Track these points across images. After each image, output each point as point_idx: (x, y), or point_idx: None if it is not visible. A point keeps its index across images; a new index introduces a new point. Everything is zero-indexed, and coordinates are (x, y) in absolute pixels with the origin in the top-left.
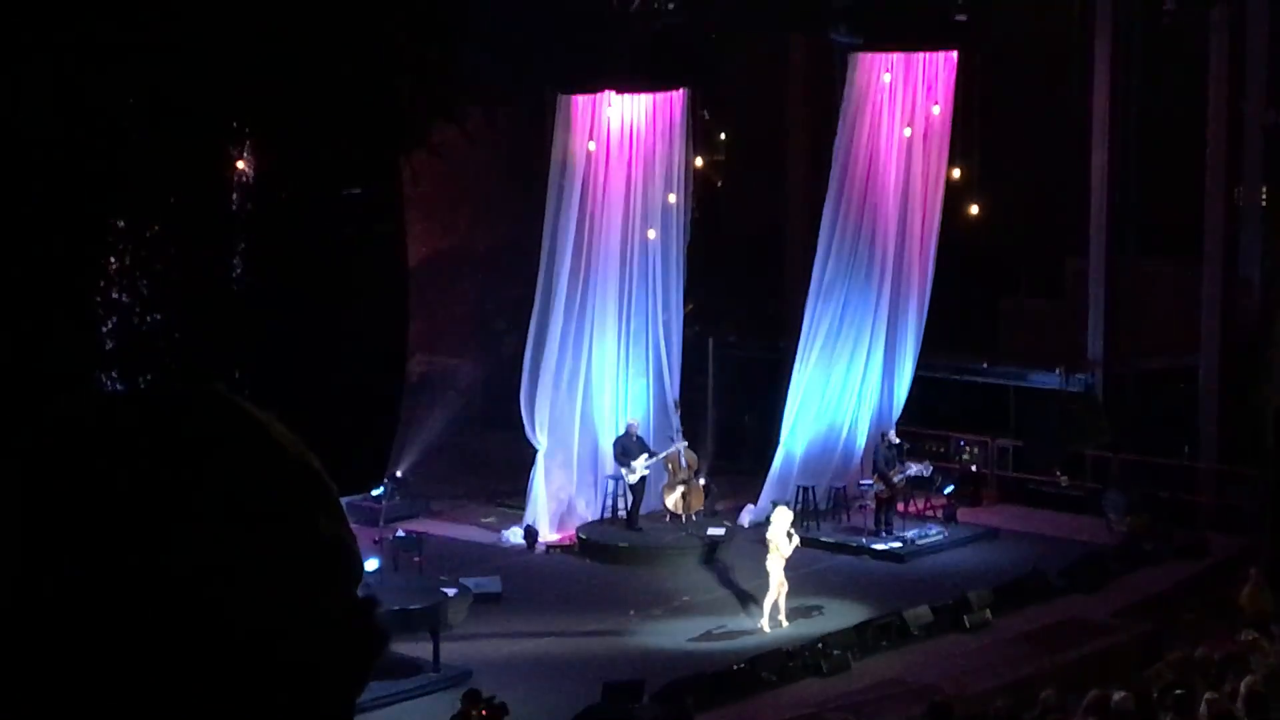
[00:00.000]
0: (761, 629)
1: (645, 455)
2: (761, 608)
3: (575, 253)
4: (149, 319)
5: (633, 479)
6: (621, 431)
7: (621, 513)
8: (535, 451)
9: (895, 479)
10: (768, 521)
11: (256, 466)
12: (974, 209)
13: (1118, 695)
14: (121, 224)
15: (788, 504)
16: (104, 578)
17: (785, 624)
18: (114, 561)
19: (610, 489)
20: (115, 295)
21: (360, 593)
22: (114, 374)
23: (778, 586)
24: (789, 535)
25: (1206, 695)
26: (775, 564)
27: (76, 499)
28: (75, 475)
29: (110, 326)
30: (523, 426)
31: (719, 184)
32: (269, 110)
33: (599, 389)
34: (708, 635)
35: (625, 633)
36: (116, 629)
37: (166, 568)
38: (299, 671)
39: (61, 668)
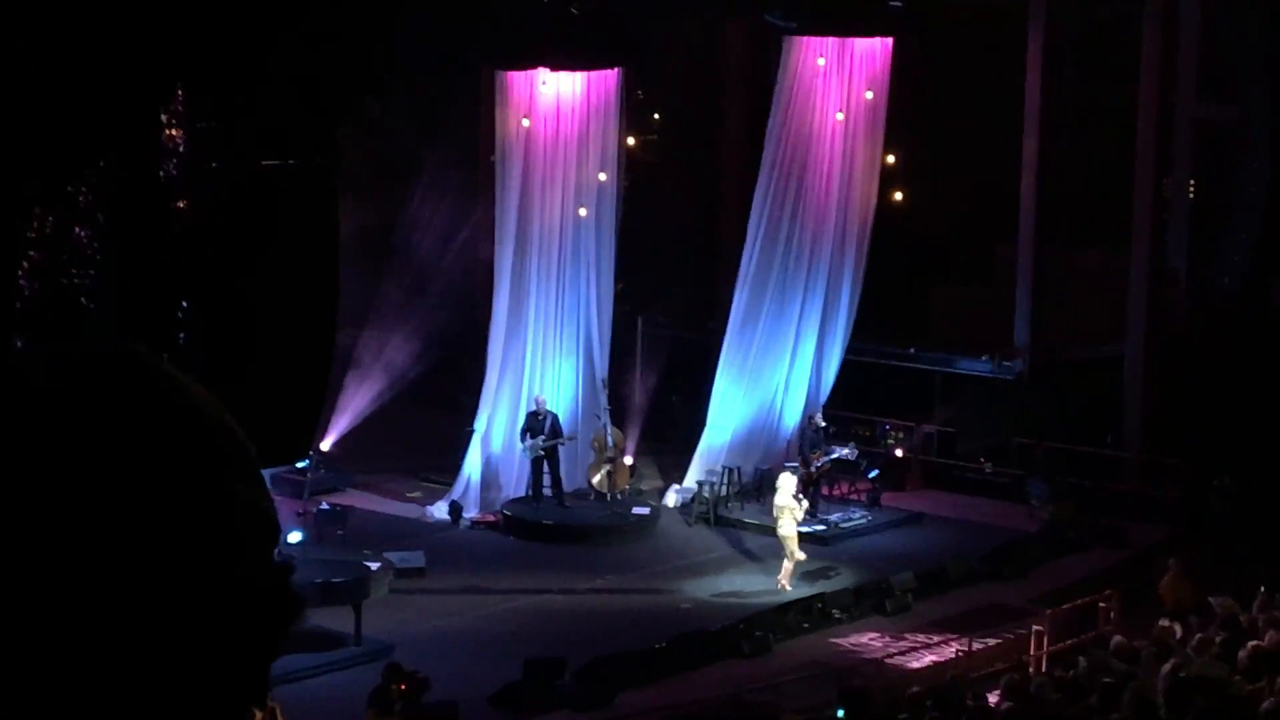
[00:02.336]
0: (783, 588)
1: (541, 437)
2: (781, 569)
3: (514, 230)
4: (72, 283)
5: (530, 456)
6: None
7: (547, 490)
8: (462, 428)
9: (820, 462)
10: (774, 489)
11: (173, 429)
12: (906, 195)
13: (1036, 681)
14: (40, 188)
15: (790, 469)
16: (9, 538)
17: (788, 588)
18: (20, 522)
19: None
20: (37, 259)
21: (277, 559)
22: (35, 337)
23: (793, 551)
24: (798, 499)
25: (1131, 683)
26: (789, 529)
27: None
28: None
29: (31, 291)
30: (449, 403)
31: (651, 163)
32: (200, 77)
33: (532, 366)
34: (630, 614)
35: (547, 610)
36: (24, 589)
37: (74, 529)
38: (213, 635)
39: None
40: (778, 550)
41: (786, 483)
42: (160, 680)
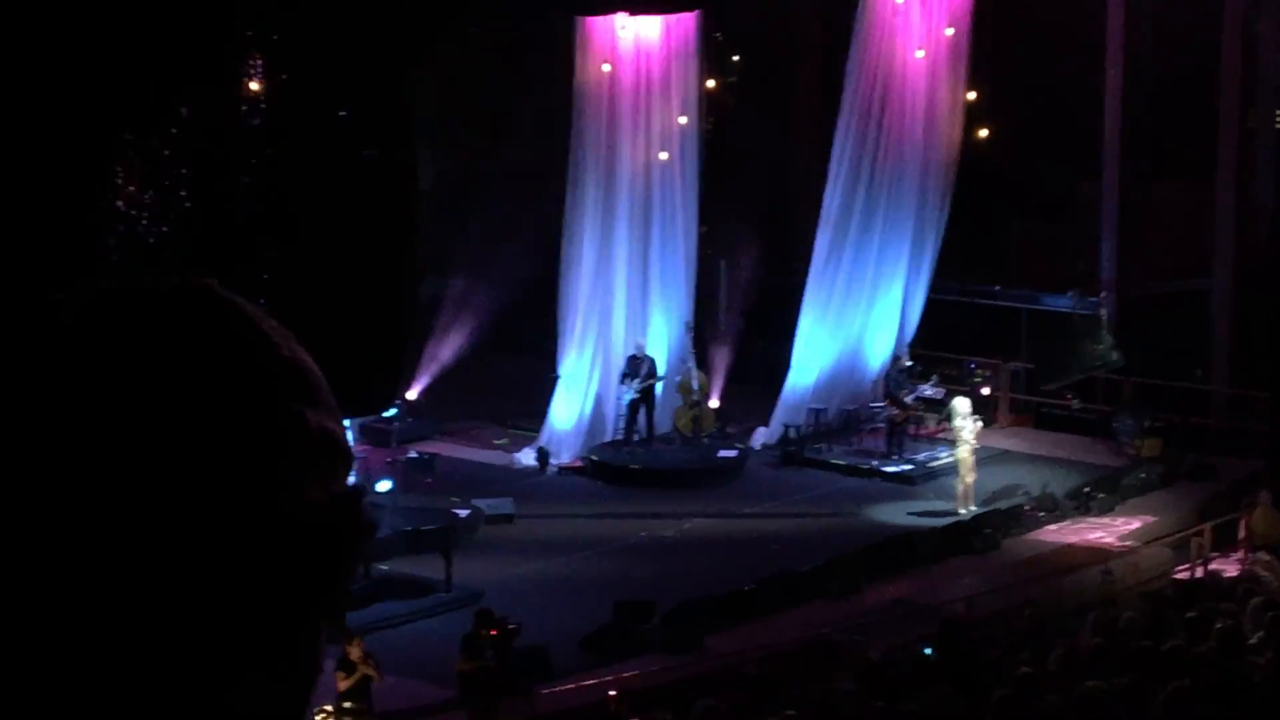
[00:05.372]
0: (957, 511)
1: (636, 380)
2: (956, 495)
3: (596, 176)
4: (156, 230)
5: (626, 399)
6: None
7: (639, 434)
8: (548, 374)
9: (906, 401)
10: (948, 416)
11: (241, 357)
12: (986, 131)
13: (1126, 615)
14: (129, 136)
15: (960, 394)
16: (80, 465)
17: (974, 509)
18: (90, 449)
19: (621, 410)
20: (120, 206)
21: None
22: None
23: (970, 474)
24: (973, 420)
25: (1222, 618)
26: (965, 452)
27: (51, 386)
28: (53, 362)
29: (116, 238)
30: (535, 349)
31: (732, 105)
32: (279, 27)
33: (617, 312)
34: (718, 556)
35: (635, 554)
36: (93, 513)
37: (144, 453)
38: (283, 560)
39: (31, 547)
40: (862, 491)
41: (961, 406)
42: (226, 606)
